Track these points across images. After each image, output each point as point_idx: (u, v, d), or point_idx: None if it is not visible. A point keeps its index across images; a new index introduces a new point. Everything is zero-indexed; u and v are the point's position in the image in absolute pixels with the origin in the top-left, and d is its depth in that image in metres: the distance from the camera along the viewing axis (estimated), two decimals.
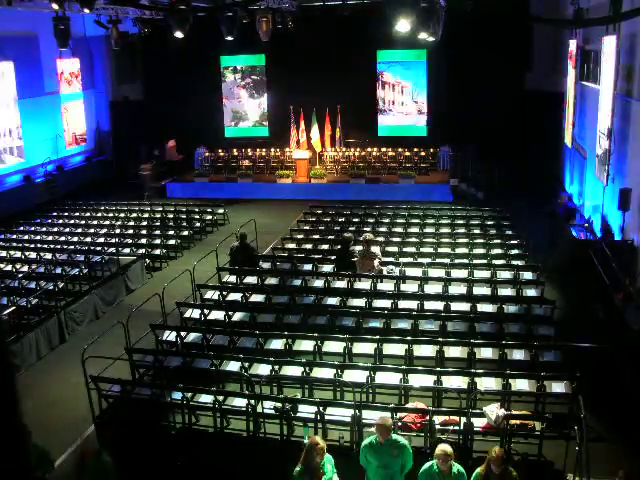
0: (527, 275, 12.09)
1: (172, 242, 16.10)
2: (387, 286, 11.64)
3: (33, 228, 17.57)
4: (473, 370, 8.39)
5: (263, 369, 8.93)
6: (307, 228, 16.32)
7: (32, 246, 15.50)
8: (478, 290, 11.41)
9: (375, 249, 11.96)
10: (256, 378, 8.54)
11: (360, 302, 11.00)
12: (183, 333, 10.27)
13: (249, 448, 7.88)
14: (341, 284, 11.92)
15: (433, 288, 11.57)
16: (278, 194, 21.59)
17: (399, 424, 7.52)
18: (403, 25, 10.76)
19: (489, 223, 16.12)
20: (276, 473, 7.13)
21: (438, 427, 7.41)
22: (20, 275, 12.94)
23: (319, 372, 8.70)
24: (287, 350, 9.50)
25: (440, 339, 9.22)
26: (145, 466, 7.70)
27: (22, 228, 17.61)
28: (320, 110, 22.75)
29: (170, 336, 10.18)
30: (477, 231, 15.46)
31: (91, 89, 24.36)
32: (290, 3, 19.07)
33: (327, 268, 12.86)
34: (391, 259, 13.07)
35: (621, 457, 7.51)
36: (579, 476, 6.43)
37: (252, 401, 7.94)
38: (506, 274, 12.25)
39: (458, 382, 8.23)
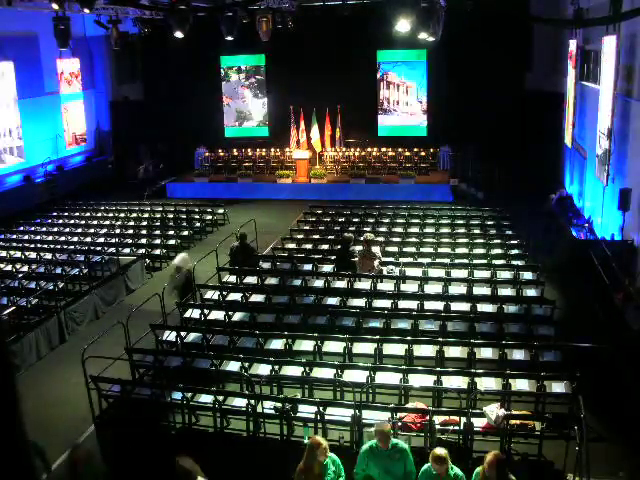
0: (527, 275, 12.09)
1: (172, 242, 16.10)
2: (387, 286, 11.64)
3: (33, 228, 17.58)
4: (473, 370, 8.38)
5: (263, 369, 8.93)
6: (307, 228, 16.32)
7: (32, 246, 15.50)
8: (478, 290, 11.41)
9: (375, 249, 11.96)
10: (256, 378, 8.54)
11: (360, 302, 11.00)
12: (183, 333, 10.27)
13: (249, 448, 7.88)
14: (341, 284, 11.92)
15: (433, 288, 11.57)
16: (278, 194, 21.60)
17: (399, 424, 7.52)
18: (403, 25, 10.78)
19: (489, 223, 16.12)
20: (276, 473, 7.13)
21: (438, 427, 7.41)
22: (20, 275, 12.94)
23: (319, 372, 8.69)
24: (287, 350, 9.50)
25: (440, 339, 9.22)
26: (145, 466, 7.69)
27: (22, 228, 17.62)
28: (320, 110, 22.76)
29: (170, 336, 10.18)
30: (477, 231, 15.46)
31: (91, 89, 24.36)
32: (290, 3, 19.08)
33: (327, 268, 12.86)
34: (391, 259, 13.06)
35: (621, 457, 7.51)
36: (579, 476, 6.43)
37: (252, 401, 7.94)
38: (506, 274, 12.25)
39: (458, 382, 8.23)
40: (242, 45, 21.25)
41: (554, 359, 8.82)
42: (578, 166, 17.90)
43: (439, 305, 10.71)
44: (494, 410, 7.32)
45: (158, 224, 17.83)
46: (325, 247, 14.53)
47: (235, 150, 24.31)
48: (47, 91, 21.51)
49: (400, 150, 22.83)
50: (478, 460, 6.63)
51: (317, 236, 15.42)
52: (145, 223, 17.97)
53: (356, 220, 16.72)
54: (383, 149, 23.11)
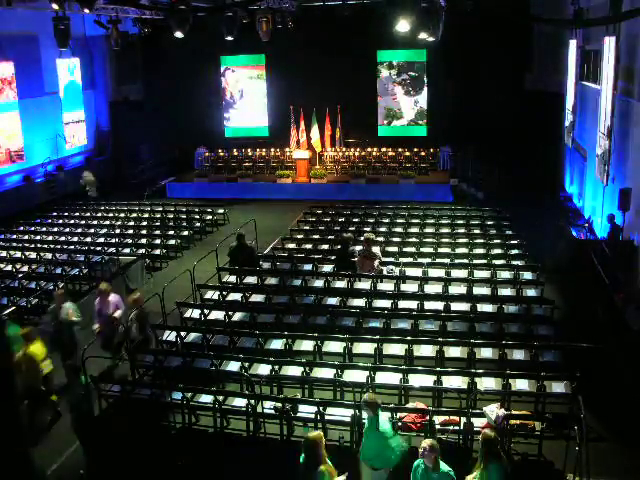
0: (527, 275, 12.09)
1: (172, 242, 16.10)
2: (387, 286, 11.64)
3: (33, 228, 17.58)
4: (473, 370, 8.39)
5: (263, 369, 8.94)
6: (307, 228, 16.32)
7: (32, 246, 15.50)
8: (478, 290, 11.41)
9: (375, 249, 11.96)
10: (256, 378, 8.54)
11: (360, 302, 11.00)
12: (183, 333, 10.27)
13: (249, 448, 7.88)
14: (341, 284, 11.92)
15: (433, 288, 11.57)
16: (278, 194, 21.60)
17: (399, 424, 7.53)
18: (403, 25, 10.77)
19: (489, 223, 16.12)
20: (276, 473, 7.13)
21: (438, 427, 7.42)
22: (20, 275, 12.95)
23: (319, 372, 8.70)
24: (287, 350, 9.50)
25: (440, 339, 9.22)
26: (145, 466, 7.70)
27: (22, 228, 17.61)
28: (320, 110, 22.77)
29: (170, 336, 10.18)
30: (477, 231, 15.46)
31: (91, 89, 24.36)
32: (290, 3, 19.09)
33: (327, 268, 12.86)
34: (391, 259, 13.07)
35: (621, 457, 7.51)
36: (579, 476, 6.44)
37: (252, 401, 7.94)
38: (506, 274, 12.25)
39: (458, 382, 8.24)
40: (242, 45, 21.26)
41: (554, 359, 8.82)
42: (578, 166, 17.90)
43: (439, 305, 10.71)
44: (494, 410, 7.33)
45: (158, 224, 17.83)
46: (325, 247, 14.53)
47: (235, 150, 24.32)
48: (47, 91, 21.50)
49: (400, 150, 22.84)
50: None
51: (317, 236, 15.42)
52: (145, 223, 17.97)
53: (356, 220, 16.73)
54: (383, 149, 23.12)
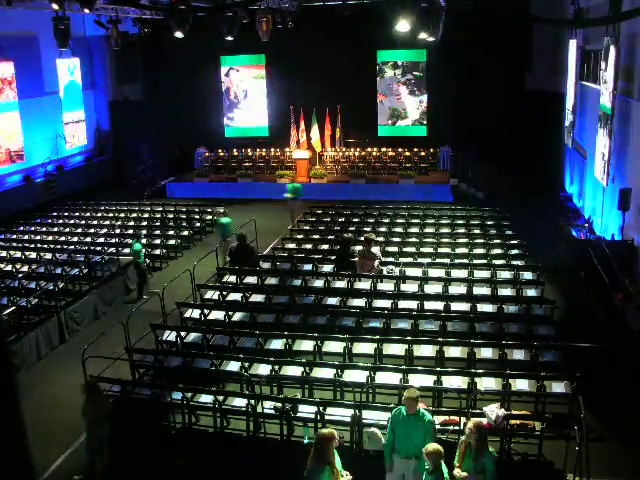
0: (527, 275, 12.09)
1: (172, 242, 16.10)
2: (387, 286, 11.64)
3: (33, 228, 17.57)
4: (473, 370, 8.39)
5: (263, 369, 8.94)
6: (307, 228, 16.32)
7: (32, 246, 15.50)
8: (478, 290, 11.41)
9: (375, 249, 11.95)
10: (256, 378, 8.54)
11: (360, 302, 11.00)
12: (183, 333, 10.27)
13: (249, 448, 7.88)
14: (341, 284, 11.92)
15: (433, 288, 11.57)
16: (278, 194, 21.57)
17: None
18: (403, 25, 10.77)
19: (489, 223, 16.12)
20: (276, 473, 7.14)
21: (438, 427, 7.41)
22: (20, 275, 12.94)
23: (319, 372, 8.70)
24: (287, 350, 9.50)
25: (440, 339, 9.22)
26: (145, 466, 7.70)
27: (22, 228, 17.61)
28: (320, 110, 22.77)
29: (170, 336, 10.18)
30: (477, 231, 15.46)
31: (91, 89, 24.36)
32: (290, 3, 19.09)
33: (327, 268, 12.85)
34: (391, 259, 13.07)
35: (621, 457, 7.51)
36: (579, 476, 6.44)
37: (252, 401, 7.94)
38: (506, 274, 12.25)
39: (458, 382, 8.23)
40: (242, 45, 21.26)
41: (554, 359, 8.82)
42: (578, 166, 17.90)
43: (439, 305, 10.71)
44: (494, 410, 7.33)
45: (158, 224, 17.83)
46: (325, 247, 14.53)
47: (235, 150, 24.32)
48: (47, 91, 21.50)
49: (400, 150, 22.84)
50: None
51: (317, 236, 15.41)
52: (145, 223, 17.96)
53: (356, 220, 16.72)
54: (383, 149, 23.12)
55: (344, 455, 6.15)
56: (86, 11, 15.24)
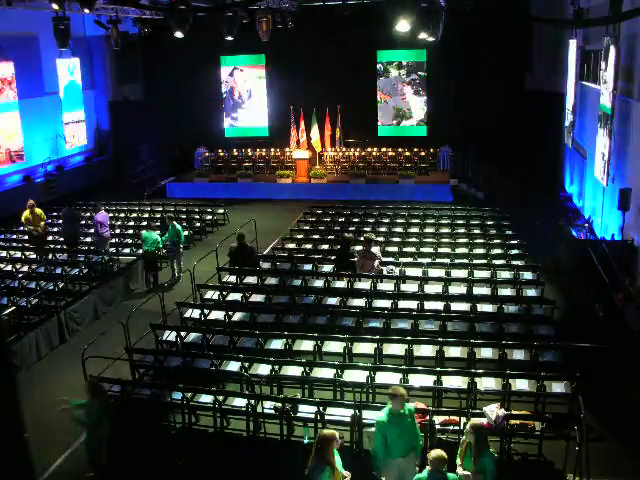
0: (527, 275, 12.09)
1: None
2: (387, 286, 11.64)
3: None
4: (473, 370, 8.39)
5: (263, 369, 8.94)
6: (307, 228, 16.32)
7: (32, 246, 15.48)
8: (478, 290, 11.41)
9: (375, 249, 11.96)
10: (256, 378, 8.54)
11: (360, 302, 11.00)
12: (183, 333, 10.27)
13: (249, 448, 7.88)
14: (341, 284, 11.92)
15: (433, 288, 11.57)
16: (278, 194, 21.60)
17: None
18: (403, 25, 10.76)
19: (489, 223, 16.12)
20: (276, 473, 7.14)
21: (438, 427, 7.42)
22: (20, 275, 12.94)
23: (319, 372, 8.70)
24: (287, 350, 9.50)
25: (440, 339, 9.22)
26: (145, 466, 7.70)
27: (22, 228, 17.59)
28: (320, 110, 22.77)
29: (170, 336, 10.18)
30: (477, 231, 15.46)
31: (91, 89, 24.35)
32: (290, 3, 19.08)
33: (327, 268, 12.85)
34: (391, 259, 13.07)
35: (621, 457, 7.51)
36: (579, 476, 6.44)
37: (252, 401, 7.94)
38: (506, 274, 12.25)
39: (458, 382, 8.23)
40: (242, 45, 21.26)
41: (554, 359, 8.82)
42: (578, 166, 17.89)
43: (439, 305, 10.71)
44: (494, 410, 7.33)
45: (158, 224, 17.81)
46: (325, 247, 14.53)
47: (235, 150, 24.32)
48: (47, 91, 21.50)
49: (400, 150, 22.84)
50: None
51: (317, 236, 15.42)
52: (145, 223, 17.95)
53: (356, 220, 16.73)
54: (383, 149, 23.13)
55: (344, 455, 6.15)
56: (86, 11, 15.24)
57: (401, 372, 8.43)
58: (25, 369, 10.48)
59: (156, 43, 22.40)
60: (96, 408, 7.27)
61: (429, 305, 10.75)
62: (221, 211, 18.78)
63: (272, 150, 23.87)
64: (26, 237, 16.66)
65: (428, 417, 7.38)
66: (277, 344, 9.65)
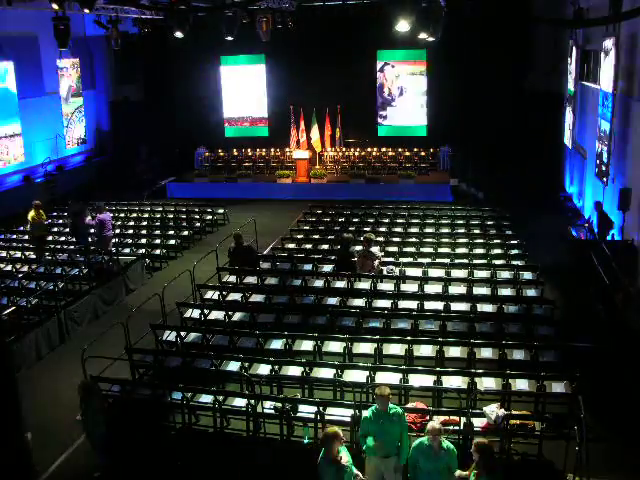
0: (527, 275, 12.08)
1: (172, 242, 16.11)
2: (387, 286, 11.64)
3: None
4: (473, 370, 8.39)
5: (263, 369, 8.94)
6: (307, 228, 16.32)
7: (32, 246, 15.49)
8: (478, 290, 11.41)
9: (375, 249, 11.96)
10: (256, 378, 8.54)
11: (360, 302, 11.00)
12: (183, 333, 10.27)
13: (249, 448, 7.88)
14: (341, 284, 11.92)
15: (433, 288, 11.57)
16: (278, 194, 21.60)
17: None
18: (403, 25, 10.78)
19: (489, 223, 16.12)
20: (276, 473, 7.14)
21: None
22: (20, 275, 12.94)
23: (319, 372, 8.70)
24: (287, 350, 9.50)
25: (440, 339, 9.22)
26: (145, 466, 7.70)
27: (22, 228, 17.60)
28: (320, 110, 22.76)
29: (170, 336, 10.18)
30: (477, 231, 15.45)
31: (91, 89, 24.36)
32: (290, 3, 19.08)
33: (327, 268, 12.85)
34: (391, 259, 13.07)
35: (621, 457, 7.51)
36: (579, 476, 6.44)
37: (252, 401, 7.94)
38: (506, 274, 12.25)
39: (458, 382, 8.23)
40: (242, 45, 21.25)
41: (554, 359, 8.82)
42: (578, 166, 17.90)
43: (439, 305, 10.71)
44: (494, 410, 7.33)
45: (158, 224, 17.83)
46: (325, 247, 14.53)
47: (235, 150, 24.32)
48: (47, 91, 21.51)
49: (400, 150, 22.84)
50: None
51: (317, 236, 15.41)
52: (145, 223, 17.97)
53: (356, 220, 16.72)
54: (383, 149, 23.12)
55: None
56: (86, 11, 15.22)
57: (401, 372, 8.43)
58: (25, 369, 10.48)
59: (156, 43, 22.39)
60: (91, 408, 7.29)
61: (429, 305, 10.75)
62: (221, 211, 18.78)
63: (272, 150, 23.87)
64: (26, 237, 16.68)
65: (428, 417, 7.37)
66: (277, 344, 9.65)
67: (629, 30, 12.36)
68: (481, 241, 14.42)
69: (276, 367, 8.88)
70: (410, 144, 22.89)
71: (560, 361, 8.76)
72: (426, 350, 9.17)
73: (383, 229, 15.67)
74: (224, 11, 15.62)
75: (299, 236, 15.45)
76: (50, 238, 16.39)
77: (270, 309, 10.93)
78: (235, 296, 11.72)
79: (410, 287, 11.62)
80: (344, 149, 23.29)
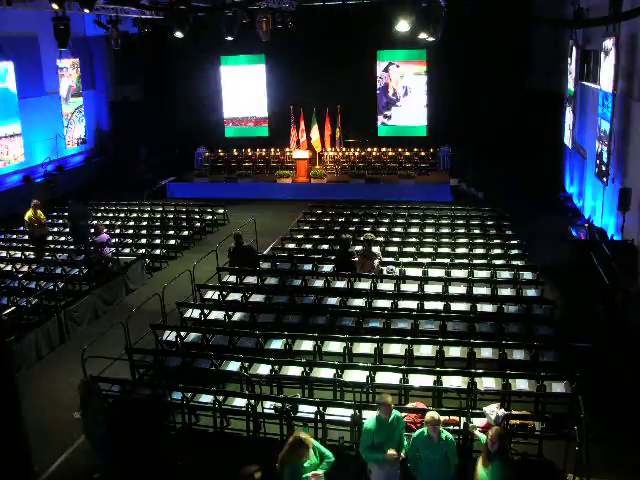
0: (527, 275, 12.08)
1: (172, 242, 16.11)
2: (387, 286, 11.64)
3: None
4: (473, 370, 8.39)
5: (263, 369, 8.94)
6: (307, 228, 16.32)
7: (32, 246, 15.49)
8: (478, 290, 11.41)
9: (375, 249, 11.96)
10: (256, 378, 8.54)
11: (360, 302, 11.00)
12: (183, 333, 10.27)
13: (249, 448, 7.88)
14: (341, 284, 11.92)
15: (433, 288, 11.57)
16: (278, 194, 21.60)
17: None
18: (403, 25, 10.78)
19: (489, 223, 16.12)
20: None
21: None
22: (20, 275, 12.94)
23: (319, 372, 8.70)
24: (287, 350, 9.50)
25: (440, 339, 9.22)
26: (145, 466, 7.70)
27: (22, 228, 17.59)
28: (320, 110, 22.77)
29: (170, 336, 10.18)
30: (477, 231, 15.46)
31: (91, 89, 24.36)
32: (290, 3, 19.08)
33: (327, 268, 12.85)
34: (391, 259, 13.07)
35: (621, 457, 7.51)
36: (579, 476, 6.44)
37: (252, 401, 7.94)
38: (506, 274, 12.25)
39: (458, 382, 8.23)
40: (242, 45, 21.26)
41: (554, 359, 8.82)
42: (578, 166, 17.90)
43: (439, 305, 10.71)
44: (494, 410, 7.33)
45: (158, 224, 17.83)
46: (325, 247, 14.53)
47: (235, 150, 24.33)
48: (47, 91, 21.51)
49: (400, 150, 22.84)
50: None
51: (317, 236, 15.41)
52: (145, 223, 17.97)
53: (356, 220, 16.72)
54: (383, 149, 23.12)
55: (344, 455, 6.17)
56: (86, 11, 15.23)
57: (401, 372, 8.43)
58: (25, 369, 10.48)
59: (156, 43, 22.39)
60: (91, 408, 7.29)
61: (429, 305, 10.75)
62: (221, 211, 18.78)
63: (272, 150, 23.87)
64: (26, 237, 16.69)
65: None
66: (277, 344, 9.65)
67: (629, 30, 12.36)
68: (481, 241, 14.42)
69: (276, 367, 8.88)
70: (410, 144, 22.90)
71: (560, 361, 8.76)
72: (426, 350, 9.17)
73: (383, 229, 15.67)
74: (224, 11, 15.62)
75: (299, 236, 15.45)
76: (50, 238, 16.39)
77: (270, 309, 10.93)
78: (235, 296, 11.72)
79: (410, 287, 11.62)
80: (344, 149, 23.30)
